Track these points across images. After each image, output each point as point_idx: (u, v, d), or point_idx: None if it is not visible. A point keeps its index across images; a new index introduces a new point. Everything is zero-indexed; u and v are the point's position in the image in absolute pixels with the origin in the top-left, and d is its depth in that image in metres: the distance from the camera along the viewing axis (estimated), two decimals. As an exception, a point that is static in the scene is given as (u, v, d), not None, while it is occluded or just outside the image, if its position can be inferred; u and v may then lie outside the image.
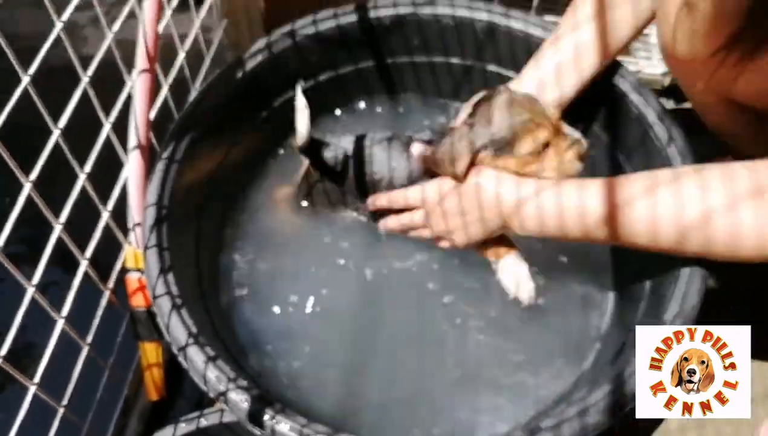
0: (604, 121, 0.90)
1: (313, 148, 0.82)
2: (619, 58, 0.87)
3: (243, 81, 0.89)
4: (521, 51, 0.91)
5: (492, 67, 0.98)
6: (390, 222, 0.84)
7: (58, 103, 0.66)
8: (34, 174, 0.61)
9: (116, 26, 0.74)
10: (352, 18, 0.93)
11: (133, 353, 0.82)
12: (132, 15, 0.76)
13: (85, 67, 0.68)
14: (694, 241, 0.63)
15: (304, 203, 0.91)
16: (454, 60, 1.00)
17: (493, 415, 0.78)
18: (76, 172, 0.70)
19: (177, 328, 0.68)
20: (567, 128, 0.76)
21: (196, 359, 0.66)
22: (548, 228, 0.70)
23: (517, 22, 0.91)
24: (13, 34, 0.60)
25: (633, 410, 0.64)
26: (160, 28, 0.78)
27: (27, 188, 0.61)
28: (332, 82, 1.00)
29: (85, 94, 0.69)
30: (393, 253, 0.88)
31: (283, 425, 0.62)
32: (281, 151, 0.99)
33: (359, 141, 0.85)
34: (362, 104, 1.05)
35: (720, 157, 0.96)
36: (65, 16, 0.64)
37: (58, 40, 0.63)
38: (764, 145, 0.82)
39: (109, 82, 0.75)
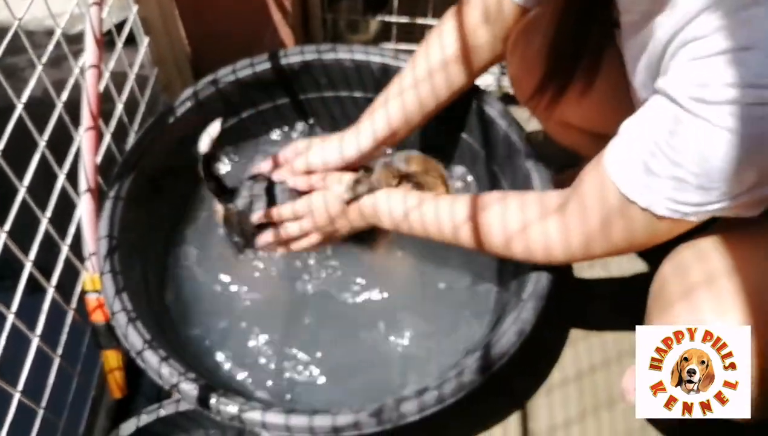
0: (481, 141, 1.10)
1: (208, 160, 0.95)
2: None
3: (174, 125, 1.04)
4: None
5: (389, 99, 1.17)
6: (266, 237, 0.99)
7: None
8: (8, 225, 0.75)
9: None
10: (267, 65, 1.10)
11: (96, 359, 0.96)
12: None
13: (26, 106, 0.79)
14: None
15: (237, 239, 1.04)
16: (357, 94, 1.17)
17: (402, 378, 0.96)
18: (38, 215, 0.84)
19: (133, 336, 0.83)
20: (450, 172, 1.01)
21: (151, 359, 0.82)
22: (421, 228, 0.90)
23: (404, 62, 1.10)
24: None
25: (499, 369, 0.83)
26: (101, 87, 0.93)
27: (2, 238, 0.75)
28: (253, 117, 1.16)
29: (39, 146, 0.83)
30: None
31: (227, 405, 0.78)
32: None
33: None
34: (278, 133, 1.21)
35: (570, 169, 1.19)
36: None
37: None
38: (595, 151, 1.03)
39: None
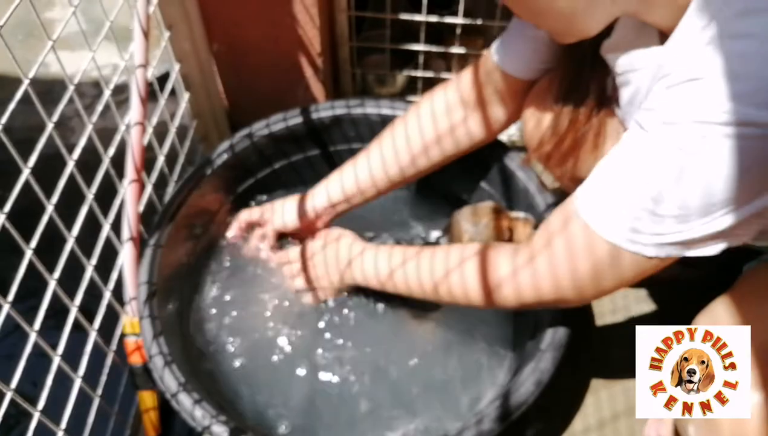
0: (502, 193, 1.14)
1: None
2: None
3: (212, 176, 1.11)
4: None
5: (414, 150, 1.22)
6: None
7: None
8: (57, 273, 0.82)
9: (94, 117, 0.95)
10: (298, 119, 1.16)
11: (132, 400, 1.01)
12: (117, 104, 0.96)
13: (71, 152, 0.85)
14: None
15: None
16: (384, 146, 1.23)
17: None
18: (83, 263, 0.90)
19: (169, 379, 0.88)
20: (513, 213, 1.05)
21: (185, 402, 0.86)
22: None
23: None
24: (8, 127, 0.71)
25: (519, 417, 0.86)
26: (145, 141, 1.00)
27: (52, 285, 0.81)
28: (285, 167, 1.22)
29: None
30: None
31: (255, 448, 0.82)
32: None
33: None
34: (313, 182, 1.26)
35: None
36: (55, 116, 0.81)
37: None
38: None
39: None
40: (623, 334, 1.19)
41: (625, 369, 1.14)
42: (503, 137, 1.42)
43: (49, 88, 0.79)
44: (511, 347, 1.07)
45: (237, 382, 1.03)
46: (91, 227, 0.93)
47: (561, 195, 1.08)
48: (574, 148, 0.86)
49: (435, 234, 1.06)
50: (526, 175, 1.08)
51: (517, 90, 0.96)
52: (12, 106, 0.71)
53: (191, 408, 0.85)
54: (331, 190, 1.07)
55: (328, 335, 1.06)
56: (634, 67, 0.73)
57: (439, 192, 1.20)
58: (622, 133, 0.87)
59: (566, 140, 0.85)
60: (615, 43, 0.76)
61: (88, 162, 0.90)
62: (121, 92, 1.08)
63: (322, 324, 1.07)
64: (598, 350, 1.18)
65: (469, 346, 1.06)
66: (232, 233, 1.14)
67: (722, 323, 0.69)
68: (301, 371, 1.03)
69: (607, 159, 0.70)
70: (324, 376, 1.03)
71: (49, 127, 0.81)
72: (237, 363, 1.04)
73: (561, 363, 0.89)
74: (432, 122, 1.01)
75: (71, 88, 0.85)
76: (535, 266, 0.76)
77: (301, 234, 1.12)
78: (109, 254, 0.99)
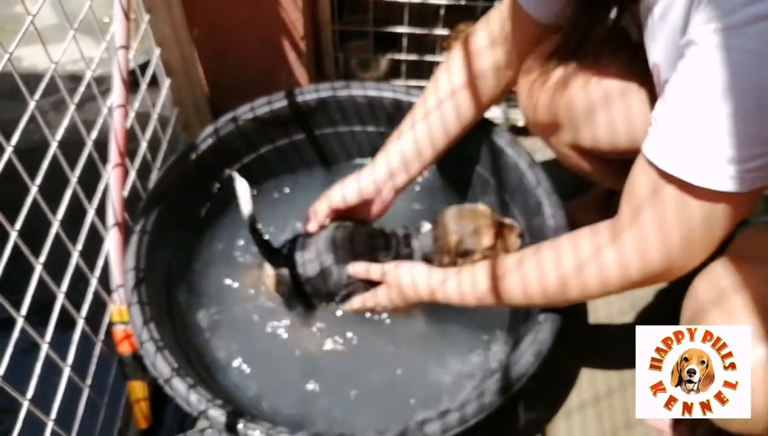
0: (491, 170, 1.14)
1: (255, 228, 0.96)
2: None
3: (196, 161, 1.08)
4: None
5: (401, 132, 1.21)
6: (355, 303, 1.01)
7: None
8: (43, 257, 0.79)
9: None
10: (283, 102, 1.14)
11: (122, 391, 0.98)
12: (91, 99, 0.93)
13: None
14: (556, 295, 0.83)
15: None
16: (370, 128, 1.22)
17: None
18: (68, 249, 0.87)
19: (161, 365, 0.86)
20: (504, 219, 1.02)
21: (179, 387, 0.84)
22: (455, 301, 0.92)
23: (416, 98, 1.14)
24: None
25: (519, 391, 0.85)
26: (127, 124, 0.97)
27: (38, 269, 0.78)
28: (271, 153, 1.20)
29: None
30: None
31: (254, 431, 0.80)
32: (233, 213, 1.18)
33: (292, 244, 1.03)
34: (299, 169, 1.25)
35: (579, 197, 1.22)
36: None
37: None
38: (610, 178, 1.06)
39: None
40: (613, 311, 1.20)
41: (617, 346, 1.15)
42: (501, 119, 1.43)
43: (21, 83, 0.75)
44: (507, 319, 1.06)
45: (229, 370, 1.01)
46: (74, 217, 0.90)
47: (553, 172, 1.09)
48: (565, 83, 0.86)
49: (427, 226, 1.04)
50: (516, 152, 1.07)
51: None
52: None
53: (186, 393, 0.83)
54: (391, 158, 1.02)
55: (320, 324, 1.05)
56: None
57: (428, 173, 1.19)
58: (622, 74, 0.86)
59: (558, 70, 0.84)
60: None
61: (69, 155, 0.87)
62: (98, 84, 1.05)
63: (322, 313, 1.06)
64: (590, 328, 1.18)
65: (464, 324, 1.06)
66: (313, 226, 1.04)
67: (723, 283, 0.69)
68: (296, 358, 1.01)
69: (673, 99, 0.65)
70: (320, 361, 1.01)
71: (32, 104, 0.78)
72: (230, 352, 1.02)
73: (559, 334, 0.89)
74: (466, 69, 0.97)
75: (52, 68, 0.82)
76: (643, 232, 0.71)
77: (359, 213, 1.06)
78: (94, 244, 0.96)
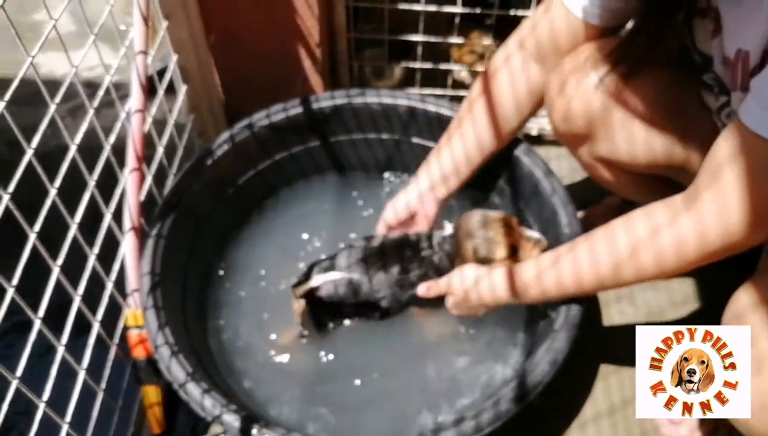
0: (507, 178, 1.13)
1: (310, 297, 0.99)
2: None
3: (212, 167, 1.09)
4: (436, 126, 1.14)
5: (415, 140, 1.21)
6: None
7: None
8: (60, 259, 0.79)
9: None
10: (299, 109, 1.15)
11: (135, 396, 0.98)
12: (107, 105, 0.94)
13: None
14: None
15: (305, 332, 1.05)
16: (385, 136, 1.22)
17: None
18: (85, 252, 0.88)
19: (176, 369, 0.85)
20: (528, 232, 1.00)
21: (193, 391, 0.83)
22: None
23: (431, 105, 1.14)
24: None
25: (536, 398, 0.84)
26: (145, 129, 0.98)
27: (56, 272, 0.78)
28: (286, 159, 1.21)
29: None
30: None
31: (268, 436, 0.80)
32: (248, 219, 1.19)
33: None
34: (315, 176, 1.26)
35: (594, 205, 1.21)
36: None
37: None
38: (634, 191, 1.06)
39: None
40: (628, 321, 1.19)
41: (633, 355, 1.13)
42: (534, 130, 1.42)
43: (38, 90, 0.76)
44: (523, 327, 1.05)
45: (242, 376, 1.01)
46: (90, 222, 0.90)
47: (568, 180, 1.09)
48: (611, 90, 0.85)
49: (449, 227, 1.04)
50: (531, 161, 1.07)
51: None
52: (1, 106, 0.68)
53: (200, 398, 0.83)
54: (431, 171, 1.05)
55: (344, 334, 1.05)
56: None
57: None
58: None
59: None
60: None
61: (84, 161, 0.87)
62: (115, 91, 1.07)
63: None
64: (604, 336, 1.17)
65: (481, 329, 1.05)
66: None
67: (750, 320, 0.67)
68: (307, 367, 1.01)
69: None
70: (335, 363, 1.01)
71: (52, 108, 0.78)
72: (246, 355, 1.03)
73: (575, 343, 0.88)
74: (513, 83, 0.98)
75: (72, 72, 0.83)
76: (724, 191, 0.67)
77: (412, 225, 1.09)
78: (110, 249, 0.96)
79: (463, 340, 1.05)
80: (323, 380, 1.01)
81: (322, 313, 1.02)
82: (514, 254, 0.97)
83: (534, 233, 1.01)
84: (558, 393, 1.00)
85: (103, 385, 0.89)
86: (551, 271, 0.85)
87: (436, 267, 1.01)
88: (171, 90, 1.19)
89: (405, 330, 1.05)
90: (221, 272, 1.13)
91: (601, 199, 1.26)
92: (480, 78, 1.02)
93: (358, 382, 1.01)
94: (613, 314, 1.19)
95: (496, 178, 1.15)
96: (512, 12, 1.28)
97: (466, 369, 1.02)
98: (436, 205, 1.07)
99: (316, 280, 0.99)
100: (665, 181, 0.98)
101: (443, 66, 1.38)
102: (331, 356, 1.04)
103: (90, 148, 0.90)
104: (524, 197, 1.11)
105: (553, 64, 0.94)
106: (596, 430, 1.06)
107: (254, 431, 0.80)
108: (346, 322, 1.05)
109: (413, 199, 1.07)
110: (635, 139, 0.91)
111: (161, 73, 1.14)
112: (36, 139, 0.74)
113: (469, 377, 1.01)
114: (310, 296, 1.00)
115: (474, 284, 0.93)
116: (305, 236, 1.17)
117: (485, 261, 0.97)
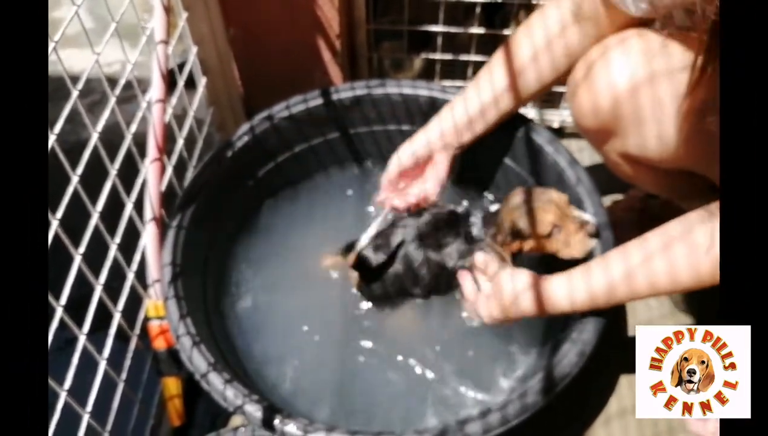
0: (529, 168, 1.11)
1: (360, 264, 1.00)
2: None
3: (232, 158, 1.08)
4: (458, 117, 1.12)
5: (436, 131, 1.19)
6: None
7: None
8: (82, 248, 0.79)
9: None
10: (319, 101, 1.14)
11: (155, 388, 0.98)
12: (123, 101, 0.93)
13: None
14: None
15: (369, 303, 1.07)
16: (405, 127, 1.20)
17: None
18: (107, 241, 0.87)
19: (198, 359, 0.85)
20: (576, 212, 0.95)
21: (215, 382, 0.83)
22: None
23: (452, 96, 1.12)
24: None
25: (562, 390, 0.82)
26: (165, 118, 0.97)
27: (78, 260, 0.78)
28: (306, 151, 1.20)
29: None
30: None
31: (291, 427, 0.78)
32: (268, 211, 1.18)
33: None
34: (334, 168, 1.25)
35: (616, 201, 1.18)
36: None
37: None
38: (655, 186, 1.03)
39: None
40: (654, 316, 1.17)
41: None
42: (555, 123, 1.40)
43: (57, 86, 0.76)
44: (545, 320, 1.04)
45: (265, 367, 1.00)
46: (111, 213, 0.89)
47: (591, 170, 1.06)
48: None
49: (494, 207, 1.01)
50: (555, 150, 1.05)
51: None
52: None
53: (222, 388, 0.82)
54: (443, 121, 1.01)
55: (366, 323, 1.05)
56: None
57: (464, 171, 1.17)
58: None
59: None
60: None
61: (105, 154, 0.87)
62: (130, 88, 1.06)
63: (357, 311, 1.05)
64: (630, 330, 1.15)
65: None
66: (383, 194, 1.05)
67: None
68: (335, 355, 1.00)
69: None
70: (360, 358, 1.00)
71: (74, 94, 0.78)
72: (267, 345, 1.02)
73: (602, 335, 0.86)
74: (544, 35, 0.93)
75: (93, 63, 0.83)
76: None
77: (417, 175, 1.05)
78: (130, 240, 0.96)
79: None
80: (352, 373, 1.00)
81: (373, 286, 1.03)
82: (554, 234, 0.93)
83: (584, 215, 0.95)
84: (581, 391, 0.99)
85: (124, 376, 0.89)
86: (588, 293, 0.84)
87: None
88: (190, 85, 1.18)
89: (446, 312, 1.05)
90: (241, 263, 1.12)
91: (624, 190, 1.23)
92: (511, 35, 0.97)
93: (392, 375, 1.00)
94: (638, 307, 1.17)
95: (517, 168, 1.13)
96: (534, 0, 1.26)
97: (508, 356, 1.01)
98: (446, 157, 1.02)
99: (367, 250, 1.01)
100: (689, 174, 0.94)
101: (463, 57, 1.37)
102: (368, 343, 1.03)
103: (110, 142, 0.89)
104: (547, 187, 1.08)
105: (591, 32, 0.89)
106: (622, 425, 1.04)
107: (276, 421, 0.79)
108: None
109: (420, 148, 1.01)
110: (666, 135, 0.86)
111: (181, 67, 1.14)
112: (58, 127, 0.74)
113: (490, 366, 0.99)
114: (363, 266, 1.01)
115: (524, 289, 0.88)
116: (324, 227, 1.16)
117: (520, 235, 0.94)
